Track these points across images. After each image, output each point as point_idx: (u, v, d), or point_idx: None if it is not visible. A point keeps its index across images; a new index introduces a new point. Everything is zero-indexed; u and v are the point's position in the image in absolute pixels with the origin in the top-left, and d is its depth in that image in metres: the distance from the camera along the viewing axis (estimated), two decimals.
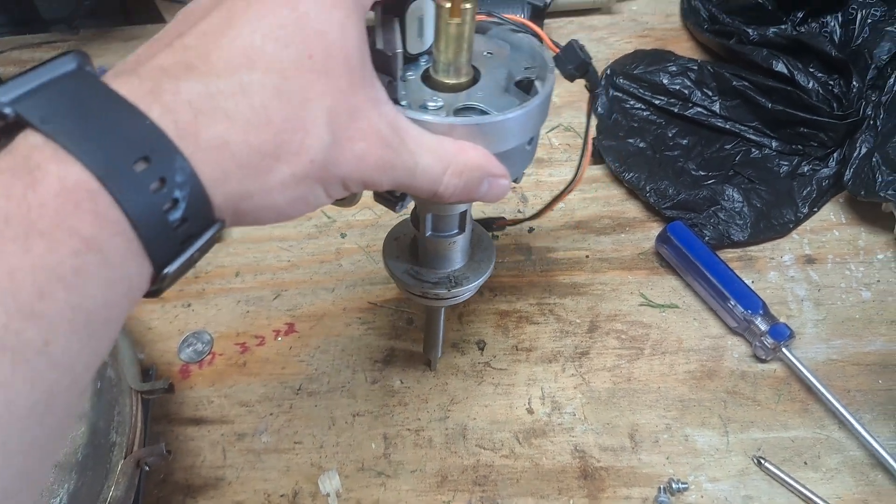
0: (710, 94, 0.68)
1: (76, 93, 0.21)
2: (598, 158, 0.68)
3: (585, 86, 0.38)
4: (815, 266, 0.60)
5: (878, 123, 0.60)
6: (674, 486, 0.50)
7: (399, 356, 0.59)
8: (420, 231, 0.44)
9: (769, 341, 0.53)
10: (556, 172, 0.69)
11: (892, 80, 0.60)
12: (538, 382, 0.57)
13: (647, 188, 0.63)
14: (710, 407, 0.54)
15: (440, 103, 0.34)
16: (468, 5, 0.31)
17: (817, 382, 0.52)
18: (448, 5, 0.31)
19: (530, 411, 0.55)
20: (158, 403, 0.59)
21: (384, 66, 0.31)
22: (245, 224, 0.26)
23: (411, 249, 0.48)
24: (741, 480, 0.50)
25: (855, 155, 0.59)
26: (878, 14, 0.65)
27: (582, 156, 0.43)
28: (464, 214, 0.43)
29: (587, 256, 0.63)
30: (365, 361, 0.59)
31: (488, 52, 0.38)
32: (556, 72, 0.36)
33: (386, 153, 0.27)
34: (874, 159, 0.57)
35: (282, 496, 0.54)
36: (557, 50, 0.35)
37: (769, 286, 0.59)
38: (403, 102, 0.32)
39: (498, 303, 0.62)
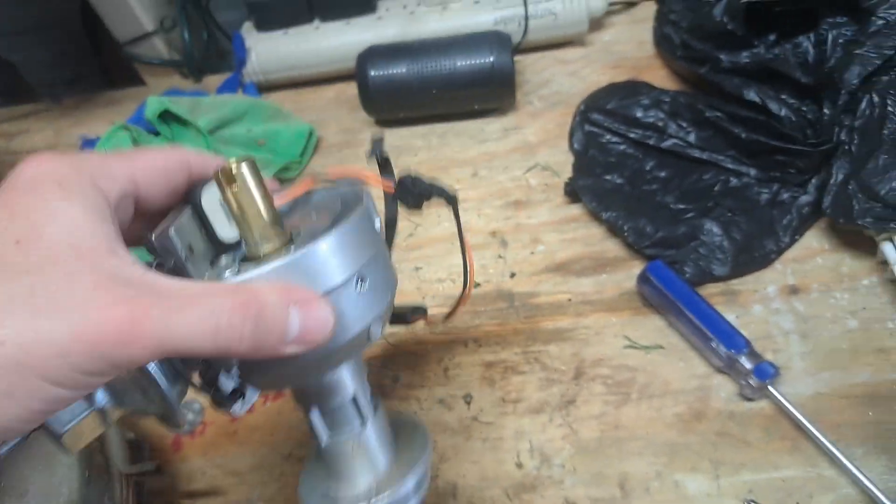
0: (684, 125, 0.70)
1: None
2: (575, 198, 0.70)
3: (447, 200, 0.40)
4: (799, 296, 0.61)
5: (853, 149, 0.61)
6: None
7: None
8: (316, 440, 0.38)
9: (754, 381, 0.54)
10: (534, 214, 0.71)
11: (864, 104, 0.61)
12: (526, 435, 0.58)
13: (625, 227, 0.64)
14: (699, 451, 0.55)
15: (234, 266, 0.32)
16: (243, 167, 0.31)
17: (805, 421, 0.53)
18: (220, 174, 0.30)
19: (519, 465, 0.57)
20: (151, 481, 0.61)
21: (153, 249, 0.31)
22: None
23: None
24: None
25: (832, 182, 0.60)
26: (848, 34, 0.66)
27: (465, 280, 0.42)
28: (356, 399, 0.38)
29: (569, 300, 0.65)
30: None
31: (315, 213, 0.37)
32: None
33: (129, 312, 0.25)
34: (850, 186, 0.58)
35: None
36: (392, 189, 0.36)
37: (754, 320, 0.60)
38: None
39: (483, 353, 0.63)
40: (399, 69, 0.74)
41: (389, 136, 0.79)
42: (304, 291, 0.29)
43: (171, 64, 0.90)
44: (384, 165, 0.37)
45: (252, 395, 0.33)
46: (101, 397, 0.31)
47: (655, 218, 0.65)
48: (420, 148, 0.78)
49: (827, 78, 0.63)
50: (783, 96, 0.66)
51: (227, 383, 0.32)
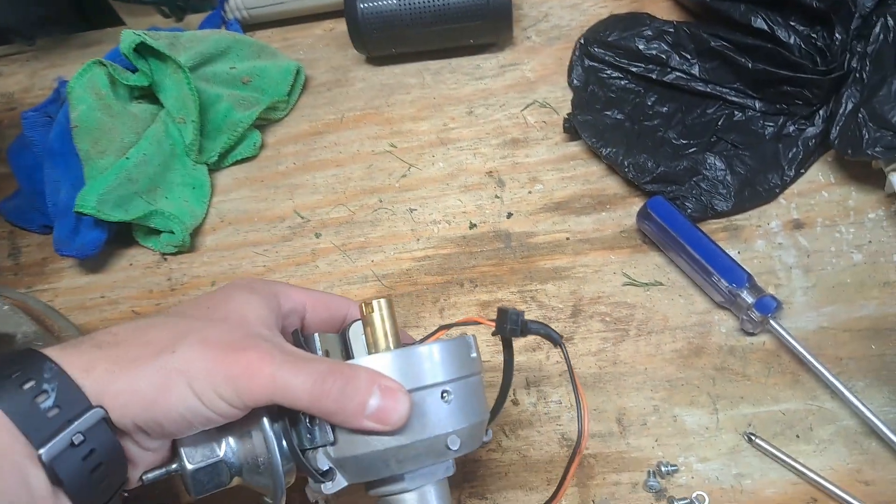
0: (688, 56, 0.68)
1: None
2: (574, 135, 0.68)
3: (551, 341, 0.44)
4: (803, 231, 0.60)
5: (865, 76, 0.59)
6: (663, 468, 0.51)
7: None
8: None
9: (756, 315, 0.53)
10: (532, 153, 0.69)
11: (877, 28, 0.59)
12: (523, 372, 0.58)
13: (626, 163, 0.63)
14: (698, 385, 0.55)
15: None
16: (376, 303, 0.42)
17: (807, 354, 0.52)
18: (364, 306, 0.42)
19: (516, 402, 0.57)
20: None
21: (298, 339, 0.42)
22: (147, 425, 0.36)
23: None
24: (732, 458, 0.51)
25: (840, 112, 0.59)
26: None
27: (566, 474, 0.42)
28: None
29: (568, 238, 0.64)
30: None
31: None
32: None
33: (258, 355, 0.36)
34: (860, 115, 0.57)
35: None
36: (493, 325, 0.43)
37: (756, 256, 0.59)
38: None
39: (479, 293, 0.63)
40: (390, 1, 0.72)
41: (381, 74, 0.77)
42: (390, 381, 0.37)
43: (151, 2, 0.87)
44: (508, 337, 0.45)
45: (341, 482, 0.39)
46: (228, 452, 0.41)
47: (656, 154, 0.64)
48: (413, 86, 0.76)
49: (839, 1, 0.61)
50: (792, 23, 0.64)
51: (323, 462, 0.39)
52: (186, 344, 0.36)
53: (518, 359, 0.59)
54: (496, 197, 0.68)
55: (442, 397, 0.39)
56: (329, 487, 0.39)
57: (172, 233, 0.68)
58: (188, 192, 0.72)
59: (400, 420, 0.36)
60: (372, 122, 0.75)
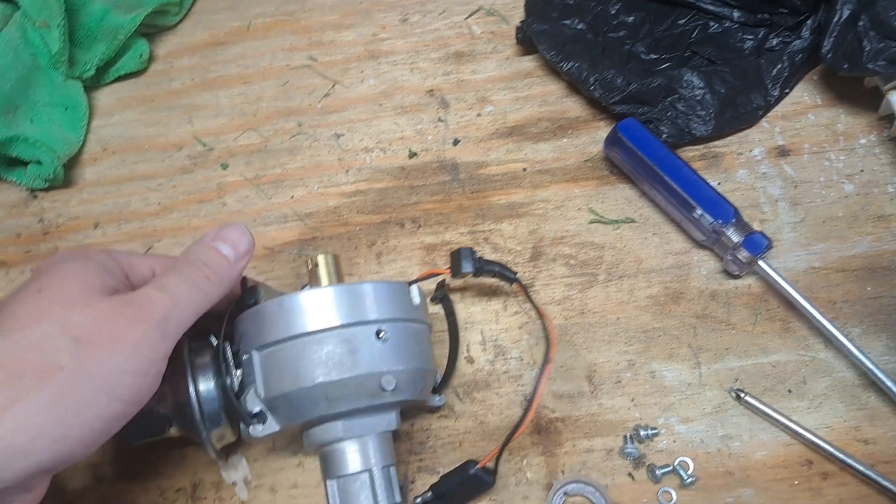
0: None
1: None
2: (529, 47, 0.59)
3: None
4: (789, 159, 0.53)
5: None
6: (641, 432, 0.45)
7: None
8: None
9: (744, 254, 0.47)
10: (480, 68, 0.60)
11: None
12: (477, 325, 0.50)
13: (591, 80, 0.54)
14: (677, 336, 0.48)
15: None
16: (321, 258, 0.43)
17: (799, 296, 0.46)
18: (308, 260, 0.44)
19: (470, 360, 0.49)
20: None
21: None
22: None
23: None
24: (718, 418, 0.45)
25: (835, 20, 0.51)
26: None
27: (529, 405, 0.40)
28: (372, 479, 0.39)
29: (525, 169, 0.55)
30: None
31: None
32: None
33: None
34: (860, 23, 0.50)
35: (178, 490, 0.47)
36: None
37: (738, 187, 0.52)
38: None
39: (422, 235, 0.53)
40: None
41: None
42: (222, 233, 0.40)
43: None
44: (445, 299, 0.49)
45: (272, 425, 0.39)
46: (159, 403, 0.41)
47: (625, 70, 0.55)
48: None
49: None
50: None
51: (254, 403, 0.39)
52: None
53: (471, 310, 0.50)
54: (439, 120, 0.58)
55: (377, 336, 0.38)
56: (259, 430, 0.39)
57: (40, 163, 0.55)
58: (59, 114, 0.58)
59: (242, 238, 0.40)
60: (286, 30, 0.63)
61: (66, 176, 0.57)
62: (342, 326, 0.38)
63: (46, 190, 0.58)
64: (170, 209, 0.56)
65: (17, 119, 0.56)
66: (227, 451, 0.47)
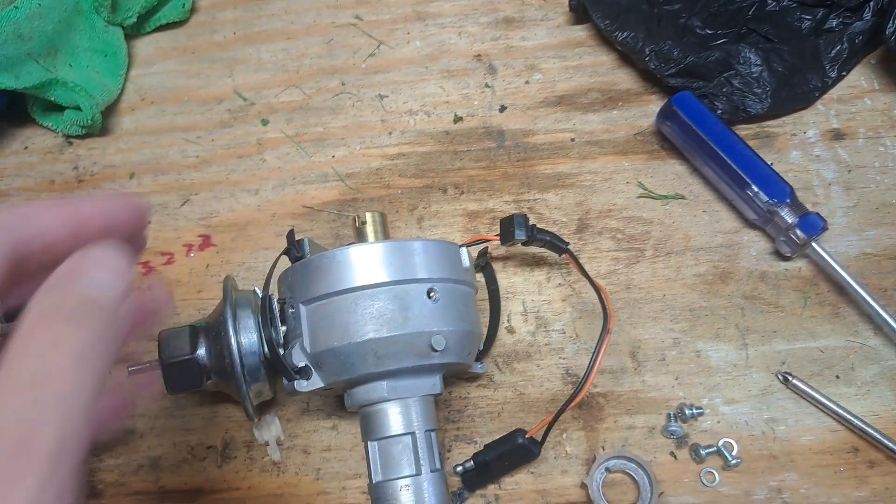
0: None
1: None
2: (581, 16, 0.57)
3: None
4: (844, 143, 0.52)
5: None
6: (686, 411, 0.44)
7: None
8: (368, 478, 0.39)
9: (799, 235, 0.46)
10: (529, 35, 0.58)
11: None
12: (518, 295, 0.49)
13: (647, 50, 0.53)
14: (724, 316, 0.47)
15: None
16: (369, 215, 0.43)
17: (852, 280, 0.45)
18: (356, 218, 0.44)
19: (511, 330, 0.48)
20: None
21: None
22: None
23: None
24: (763, 401, 0.45)
25: None
26: None
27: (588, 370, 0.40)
28: (415, 442, 0.38)
29: (573, 140, 0.54)
30: None
31: None
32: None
33: None
34: None
35: (209, 448, 0.46)
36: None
37: (791, 168, 0.51)
38: None
39: (465, 202, 0.52)
40: None
41: None
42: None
43: None
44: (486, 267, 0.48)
45: (317, 381, 0.38)
46: (200, 351, 0.41)
47: (681, 43, 0.54)
48: None
49: None
50: None
51: (299, 358, 0.38)
52: None
53: (513, 279, 0.49)
54: (486, 86, 0.56)
55: (428, 295, 0.38)
56: (304, 385, 0.38)
57: (79, 109, 0.54)
58: (98, 60, 0.57)
59: (118, 260, 0.25)
60: None
61: (103, 123, 0.56)
62: (394, 283, 0.37)
63: (82, 137, 0.56)
64: (208, 162, 0.55)
65: (56, 62, 0.55)
66: (261, 410, 0.46)
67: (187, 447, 0.46)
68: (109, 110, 0.57)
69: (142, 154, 0.56)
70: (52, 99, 0.54)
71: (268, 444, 0.46)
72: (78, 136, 0.56)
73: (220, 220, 0.53)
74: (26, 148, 0.57)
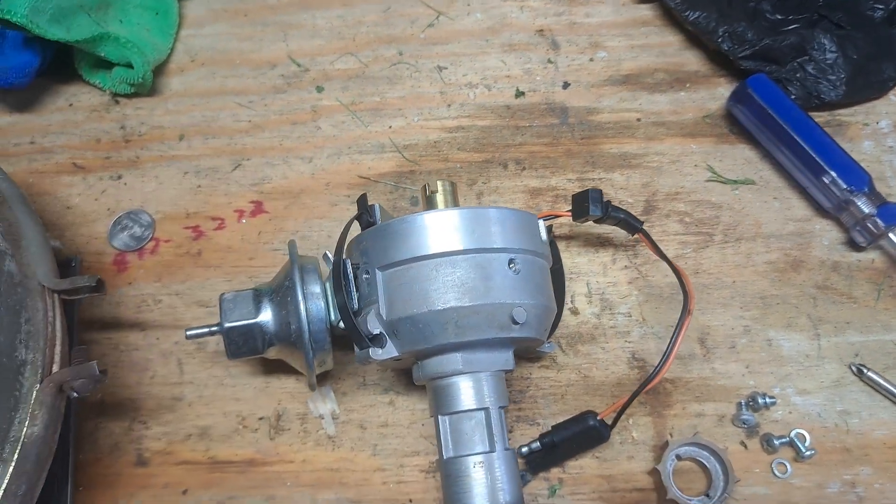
0: None
1: None
2: None
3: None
4: None
5: None
6: (759, 400, 0.42)
7: None
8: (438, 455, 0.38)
9: (878, 224, 0.44)
10: (594, 12, 0.57)
11: None
12: (583, 276, 0.47)
13: (720, 31, 0.51)
14: (796, 305, 0.46)
15: None
16: (440, 183, 0.42)
17: None
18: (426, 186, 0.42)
19: (575, 312, 0.46)
20: (87, 305, 0.47)
21: None
22: None
23: None
24: (836, 392, 0.43)
25: None
26: None
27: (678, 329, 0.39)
28: (489, 419, 0.36)
29: (639, 119, 0.52)
30: None
31: None
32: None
33: None
34: None
35: (260, 419, 0.44)
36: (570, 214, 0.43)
37: (863, 158, 0.50)
38: None
39: (527, 178, 0.51)
40: None
41: None
42: None
43: None
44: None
45: (391, 349, 0.36)
46: (264, 317, 0.39)
47: (754, 25, 0.52)
48: None
49: None
50: None
51: (374, 325, 0.36)
52: None
53: (576, 260, 0.48)
54: (549, 62, 0.55)
55: (509, 266, 0.36)
56: (379, 354, 0.36)
57: (129, 66, 0.52)
58: (149, 18, 0.55)
59: None
60: None
61: (153, 83, 0.54)
62: (475, 251, 0.36)
63: (129, 96, 0.55)
64: (261, 128, 0.53)
65: (107, 17, 0.53)
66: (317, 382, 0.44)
67: (238, 417, 0.44)
68: (158, 70, 0.55)
69: (191, 116, 0.54)
70: (102, 54, 0.52)
71: (322, 418, 0.44)
72: (125, 95, 0.54)
73: (273, 187, 0.51)
74: (71, 105, 0.55)
